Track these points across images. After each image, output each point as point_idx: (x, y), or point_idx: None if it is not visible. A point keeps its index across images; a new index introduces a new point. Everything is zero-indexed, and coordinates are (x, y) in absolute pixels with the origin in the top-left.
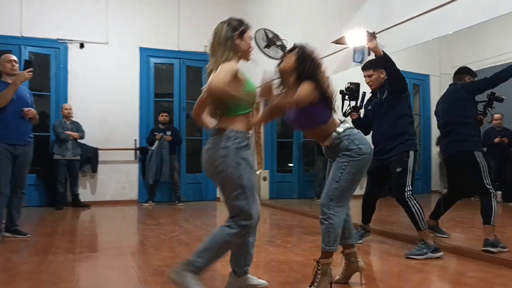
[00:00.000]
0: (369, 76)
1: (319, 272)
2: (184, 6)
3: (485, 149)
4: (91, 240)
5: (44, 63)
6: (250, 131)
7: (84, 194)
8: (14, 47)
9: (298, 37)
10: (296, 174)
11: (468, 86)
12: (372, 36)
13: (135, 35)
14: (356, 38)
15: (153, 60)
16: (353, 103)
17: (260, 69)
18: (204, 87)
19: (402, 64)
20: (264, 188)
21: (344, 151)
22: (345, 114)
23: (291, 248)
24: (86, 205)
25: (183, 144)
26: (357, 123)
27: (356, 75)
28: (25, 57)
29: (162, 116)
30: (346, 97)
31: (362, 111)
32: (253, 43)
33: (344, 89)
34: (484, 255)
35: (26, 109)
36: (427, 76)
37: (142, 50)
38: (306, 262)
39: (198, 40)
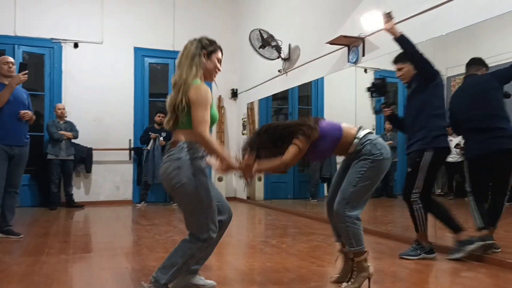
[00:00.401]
0: (400, 69)
1: (355, 269)
2: (179, 5)
3: None
4: (85, 240)
5: (38, 63)
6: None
7: (78, 194)
8: (8, 47)
9: (293, 38)
10: (291, 175)
11: (501, 74)
12: (389, 16)
13: (130, 35)
14: (371, 21)
15: (148, 60)
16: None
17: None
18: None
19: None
20: (259, 189)
21: (367, 155)
22: (376, 112)
23: (286, 248)
24: (80, 205)
25: None
26: (391, 119)
27: (351, 75)
28: (19, 56)
29: (159, 116)
30: (374, 94)
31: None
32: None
33: (369, 86)
34: (477, 255)
35: (22, 111)
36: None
37: (137, 50)
38: (301, 262)
39: None
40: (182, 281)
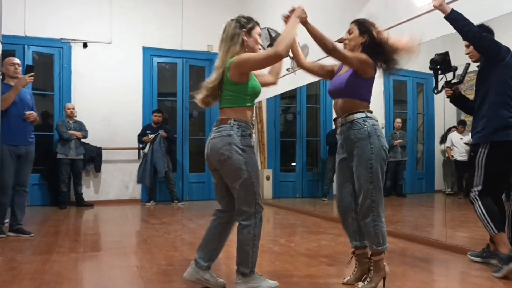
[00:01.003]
0: (467, 46)
1: (371, 268)
2: (188, 5)
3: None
4: (95, 239)
5: (48, 63)
6: (252, 122)
7: (88, 194)
8: (18, 47)
9: (302, 36)
10: (300, 174)
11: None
12: None
13: (138, 35)
14: (379, 20)
15: (156, 60)
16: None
17: None
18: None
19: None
20: (267, 188)
21: (363, 139)
22: (436, 92)
23: (295, 247)
24: (90, 204)
25: (186, 144)
26: (454, 102)
27: None
28: (29, 56)
29: (156, 116)
30: (441, 70)
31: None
32: (261, 39)
33: (433, 61)
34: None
35: (27, 113)
36: (431, 75)
37: (145, 49)
38: (310, 261)
39: (201, 40)
40: (195, 274)
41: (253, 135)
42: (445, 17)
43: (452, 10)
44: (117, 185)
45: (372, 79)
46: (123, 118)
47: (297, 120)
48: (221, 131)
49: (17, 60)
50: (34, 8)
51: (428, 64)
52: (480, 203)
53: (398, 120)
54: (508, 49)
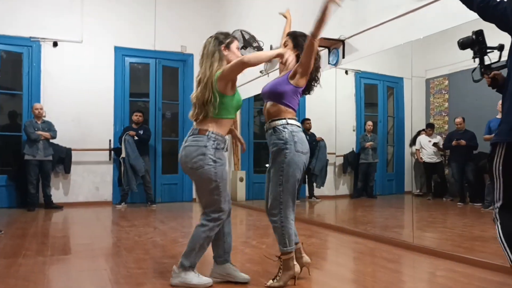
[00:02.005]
0: None
1: (281, 267)
2: (161, 5)
3: (448, 151)
4: (63, 242)
5: (17, 62)
6: (227, 136)
7: (57, 195)
8: None
9: (275, 39)
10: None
11: None
12: None
13: (110, 34)
14: (350, 24)
15: (128, 60)
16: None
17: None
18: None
19: (376, 67)
20: (241, 189)
21: (280, 144)
22: (475, 80)
23: (266, 249)
24: (59, 206)
25: (158, 145)
26: (499, 90)
27: (331, 77)
28: None
29: (136, 115)
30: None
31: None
32: (241, 52)
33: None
34: (453, 254)
35: None
36: (401, 79)
37: (117, 49)
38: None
39: (174, 40)
40: (219, 268)
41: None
42: None
43: None
44: (87, 187)
45: (301, 89)
46: (94, 118)
47: None
48: (198, 141)
49: None
50: (2, 5)
51: (396, 69)
52: (503, 223)
53: (370, 122)
54: None
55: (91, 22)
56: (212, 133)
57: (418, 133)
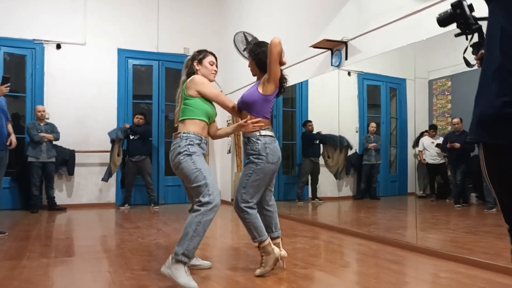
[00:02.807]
0: None
1: (263, 254)
2: (164, 7)
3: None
4: (67, 244)
5: (20, 64)
6: (204, 136)
7: (60, 197)
8: None
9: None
10: (276, 177)
11: None
12: None
13: (113, 36)
14: (353, 25)
15: (131, 62)
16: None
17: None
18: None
19: (379, 68)
20: None
21: (254, 155)
22: (466, 62)
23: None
24: (62, 208)
25: (161, 147)
26: None
27: (334, 79)
28: (0, 57)
29: (137, 118)
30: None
31: None
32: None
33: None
34: (457, 256)
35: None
36: (404, 80)
37: (120, 51)
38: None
39: (177, 42)
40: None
41: (204, 145)
42: None
43: None
44: (91, 189)
45: (272, 96)
46: (97, 120)
47: (273, 124)
48: (174, 144)
49: None
50: (6, 8)
51: (398, 71)
52: None
53: (373, 124)
54: None
55: (94, 25)
56: (184, 133)
57: (421, 135)
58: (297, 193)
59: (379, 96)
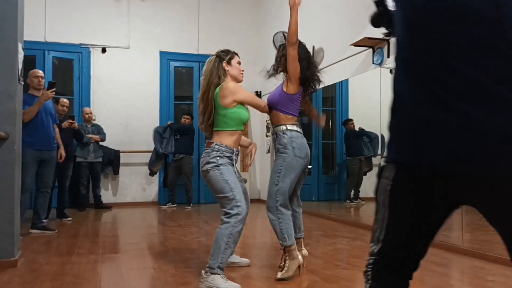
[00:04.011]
0: None
1: (287, 258)
2: (204, 9)
3: None
4: (113, 241)
5: (68, 68)
6: (236, 147)
7: (106, 196)
8: (39, 52)
9: (317, 40)
10: (316, 176)
11: None
12: None
13: (155, 39)
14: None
15: (173, 64)
16: None
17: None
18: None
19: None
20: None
21: (281, 149)
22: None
23: (310, 250)
24: (108, 206)
25: (202, 146)
26: None
27: (376, 76)
28: (49, 62)
29: (184, 118)
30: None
31: None
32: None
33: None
34: (505, 259)
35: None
36: None
37: (162, 54)
38: (325, 265)
39: (217, 43)
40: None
41: (235, 158)
42: None
43: None
44: (135, 188)
45: (296, 95)
46: (141, 121)
47: (312, 123)
48: (205, 152)
49: (41, 73)
50: (54, 15)
51: None
52: None
53: None
54: None
55: (137, 29)
56: (216, 144)
57: None
58: (346, 193)
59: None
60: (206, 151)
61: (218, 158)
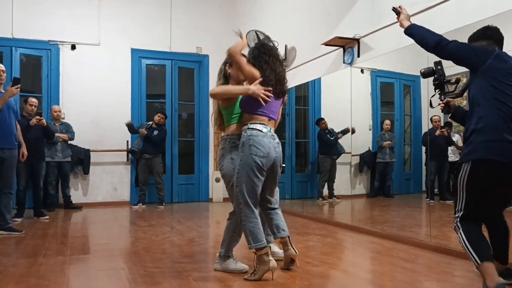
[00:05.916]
0: None
1: (257, 262)
2: (176, 7)
3: (424, 148)
4: (82, 242)
5: (36, 65)
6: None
7: (76, 196)
8: (6, 49)
9: (289, 39)
10: (289, 175)
11: None
12: (395, 11)
13: (127, 36)
14: (365, 22)
15: (145, 61)
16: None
17: None
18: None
19: (392, 65)
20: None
21: (240, 148)
22: (432, 106)
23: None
24: (78, 206)
25: (175, 145)
26: (452, 117)
27: (347, 76)
28: (17, 58)
29: (159, 117)
30: (436, 88)
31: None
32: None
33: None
34: None
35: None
36: (418, 77)
37: (134, 51)
38: (297, 262)
39: (190, 41)
40: (219, 264)
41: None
42: (404, 33)
43: (409, 25)
44: (106, 187)
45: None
46: (112, 120)
47: (286, 122)
48: (221, 146)
49: (2, 67)
50: (22, 10)
51: (412, 67)
52: (462, 232)
53: (387, 121)
54: (487, 51)
55: (108, 25)
56: (227, 135)
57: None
58: (318, 191)
59: (393, 94)
60: (221, 145)
61: (231, 149)
